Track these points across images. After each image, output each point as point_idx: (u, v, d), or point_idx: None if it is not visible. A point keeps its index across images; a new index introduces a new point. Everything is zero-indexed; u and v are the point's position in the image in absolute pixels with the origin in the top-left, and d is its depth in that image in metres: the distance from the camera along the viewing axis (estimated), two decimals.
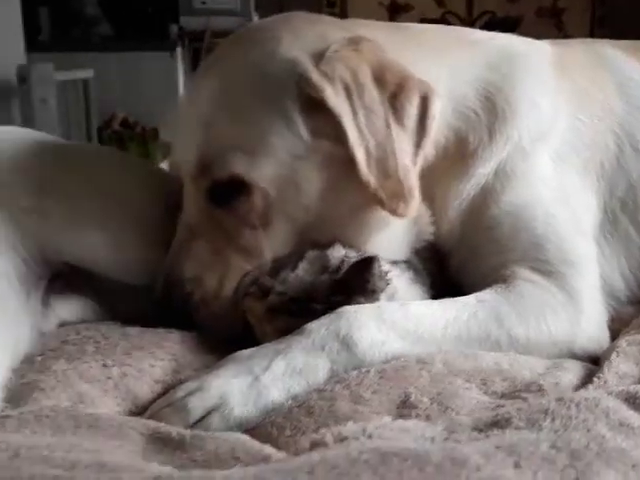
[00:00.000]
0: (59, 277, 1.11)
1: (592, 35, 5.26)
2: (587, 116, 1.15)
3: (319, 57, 1.02)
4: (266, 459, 0.71)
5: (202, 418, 0.85)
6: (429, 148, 1.06)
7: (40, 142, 1.19)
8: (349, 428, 0.73)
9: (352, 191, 1.03)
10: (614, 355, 0.95)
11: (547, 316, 1.00)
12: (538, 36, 1.30)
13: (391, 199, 0.99)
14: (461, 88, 1.11)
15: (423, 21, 5.33)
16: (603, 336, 1.06)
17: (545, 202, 1.09)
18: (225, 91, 1.05)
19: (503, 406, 0.80)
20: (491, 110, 1.11)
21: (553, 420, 0.71)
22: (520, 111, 1.11)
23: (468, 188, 1.10)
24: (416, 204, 1.01)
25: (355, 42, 1.04)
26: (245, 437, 0.78)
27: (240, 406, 0.86)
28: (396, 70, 1.04)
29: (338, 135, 1.00)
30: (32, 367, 0.95)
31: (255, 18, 4.67)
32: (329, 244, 1.04)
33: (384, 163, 1.00)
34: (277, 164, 1.02)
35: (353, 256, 1.02)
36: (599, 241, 1.12)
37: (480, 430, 0.73)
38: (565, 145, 1.12)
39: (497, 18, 5.47)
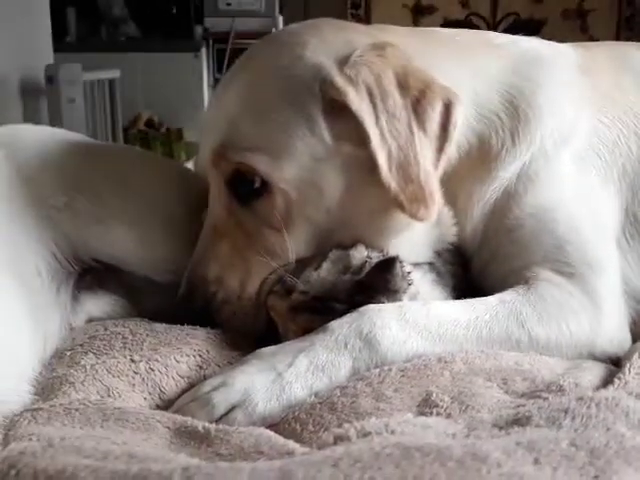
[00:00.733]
0: (88, 273, 1.13)
1: (618, 37, 5.20)
2: (610, 119, 1.15)
3: (344, 62, 1.03)
4: (290, 454, 0.71)
5: (226, 413, 0.87)
6: (451, 152, 1.06)
7: (69, 141, 1.21)
8: (372, 423, 0.74)
9: (373, 194, 1.04)
10: (636, 356, 0.95)
11: (568, 317, 1.01)
12: (563, 38, 1.30)
13: (412, 203, 1.00)
14: (484, 92, 1.12)
15: (447, 22, 5.33)
16: (624, 338, 1.06)
17: (567, 204, 1.09)
18: (251, 92, 1.07)
19: (524, 405, 0.81)
20: (514, 114, 1.11)
21: (573, 419, 0.72)
22: (543, 114, 1.11)
23: (491, 191, 1.11)
24: (437, 209, 1.02)
25: (380, 47, 1.05)
26: (269, 432, 0.79)
27: (263, 402, 0.87)
28: (419, 76, 1.05)
29: (360, 139, 1.01)
30: (62, 361, 0.97)
31: (279, 19, 4.68)
32: (352, 245, 1.05)
33: (406, 167, 1.01)
34: (299, 166, 1.03)
35: (375, 256, 1.03)
36: (621, 243, 1.12)
37: (500, 428, 0.73)
38: (587, 148, 1.12)
39: (521, 20, 5.44)
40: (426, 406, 0.83)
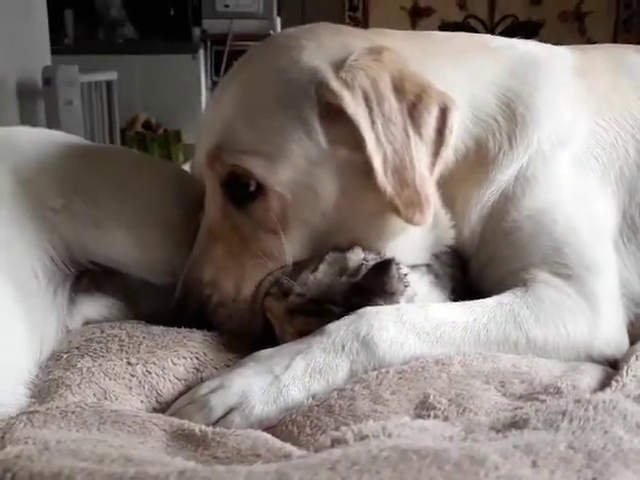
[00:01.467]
0: (85, 276, 1.13)
1: (615, 39, 5.21)
2: (607, 122, 1.15)
3: (340, 65, 1.03)
4: (287, 456, 0.71)
5: (223, 416, 0.87)
6: (448, 156, 1.07)
7: (67, 143, 1.21)
8: (369, 426, 0.74)
9: (369, 198, 1.04)
10: (633, 359, 0.95)
11: (566, 319, 1.01)
12: (560, 40, 1.30)
13: (407, 208, 1.00)
14: (481, 95, 1.12)
15: (445, 25, 5.33)
16: (622, 340, 1.06)
17: (565, 207, 1.09)
18: (247, 95, 1.07)
19: (521, 407, 0.81)
20: (511, 116, 1.11)
21: (571, 421, 0.72)
22: (540, 117, 1.12)
23: (488, 194, 1.11)
24: (432, 213, 1.02)
25: (376, 51, 1.05)
26: (266, 435, 0.79)
27: (261, 404, 0.87)
28: (416, 80, 1.05)
29: (356, 143, 1.01)
30: (58, 364, 0.97)
31: (277, 21, 4.68)
32: (348, 247, 1.05)
33: (401, 172, 1.01)
34: (294, 169, 1.03)
35: (372, 259, 1.02)
36: (618, 246, 1.12)
37: (498, 430, 0.73)
38: (585, 151, 1.13)
39: (519, 22, 5.45)
40: (423, 409, 0.83)
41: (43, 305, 1.04)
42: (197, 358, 0.98)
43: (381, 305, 0.97)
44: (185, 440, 0.79)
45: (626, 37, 5.24)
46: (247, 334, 1.06)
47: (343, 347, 0.92)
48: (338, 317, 0.95)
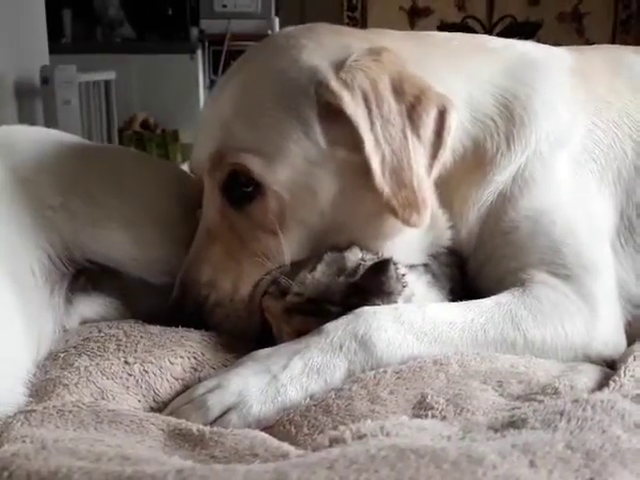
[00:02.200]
0: (82, 275, 1.13)
1: (614, 40, 5.20)
2: (605, 122, 1.15)
3: (340, 66, 1.03)
4: (285, 456, 0.71)
5: (221, 415, 0.86)
6: (446, 157, 1.07)
7: (65, 142, 1.21)
8: (367, 426, 0.74)
9: (367, 199, 1.04)
10: (631, 359, 0.96)
11: (563, 320, 1.01)
12: (559, 41, 1.30)
13: (404, 209, 1.00)
14: (479, 96, 1.12)
15: (443, 25, 5.33)
16: (619, 340, 1.06)
17: (563, 207, 1.09)
18: (246, 94, 1.07)
19: (519, 407, 0.81)
20: (509, 117, 1.11)
21: (569, 421, 0.72)
22: (538, 118, 1.12)
23: (486, 194, 1.11)
24: (429, 215, 1.02)
25: (376, 52, 1.05)
26: (264, 434, 0.79)
27: (258, 404, 0.87)
28: (415, 82, 1.05)
29: (354, 143, 1.01)
30: (55, 363, 0.97)
31: (275, 21, 4.68)
32: (347, 247, 1.05)
33: (399, 173, 1.01)
34: (292, 169, 1.03)
35: (370, 259, 1.02)
36: (615, 246, 1.12)
37: (496, 430, 0.73)
38: (583, 151, 1.13)
39: (517, 22, 5.45)
40: (421, 408, 0.83)
41: (40, 304, 1.04)
42: (195, 358, 0.98)
43: (379, 305, 0.97)
44: (182, 440, 0.79)
45: (625, 38, 5.24)
46: (244, 334, 1.06)
47: (341, 347, 0.92)
48: (336, 317, 0.95)
